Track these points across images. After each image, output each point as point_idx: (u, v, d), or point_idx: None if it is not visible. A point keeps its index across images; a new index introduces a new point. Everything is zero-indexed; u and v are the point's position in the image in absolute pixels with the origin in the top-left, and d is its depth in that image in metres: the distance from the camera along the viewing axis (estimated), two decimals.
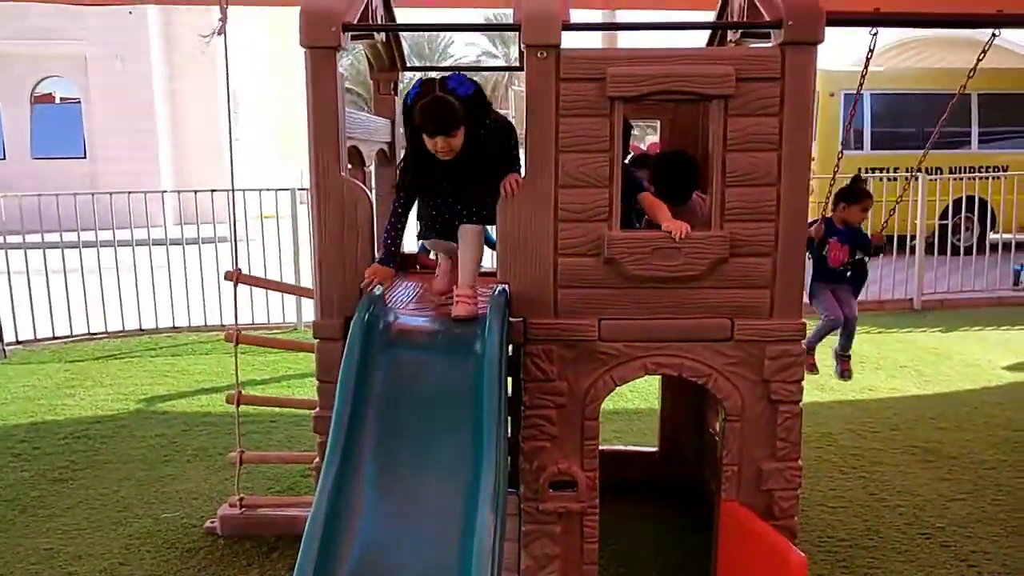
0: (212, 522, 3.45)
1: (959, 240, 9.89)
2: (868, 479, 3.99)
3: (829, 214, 3.83)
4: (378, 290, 2.65)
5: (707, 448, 3.70)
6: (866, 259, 4.01)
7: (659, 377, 3.84)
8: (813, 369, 4.04)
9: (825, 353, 4.09)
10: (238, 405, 3.56)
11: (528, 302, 2.66)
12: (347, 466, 2.26)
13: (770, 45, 2.61)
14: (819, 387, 5.50)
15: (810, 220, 3.16)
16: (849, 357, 4.25)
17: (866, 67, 3.18)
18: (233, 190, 4.39)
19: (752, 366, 2.67)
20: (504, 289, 2.65)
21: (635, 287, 2.64)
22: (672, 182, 3.12)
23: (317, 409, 2.76)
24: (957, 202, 10.19)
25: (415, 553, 2.11)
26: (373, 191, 3.23)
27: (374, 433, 2.34)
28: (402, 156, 2.80)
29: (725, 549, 2.74)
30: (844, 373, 4.29)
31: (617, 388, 2.73)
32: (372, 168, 3.43)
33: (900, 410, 5.07)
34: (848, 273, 3.95)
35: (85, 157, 18.10)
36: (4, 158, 17.49)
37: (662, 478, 3.86)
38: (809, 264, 3.69)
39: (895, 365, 6.13)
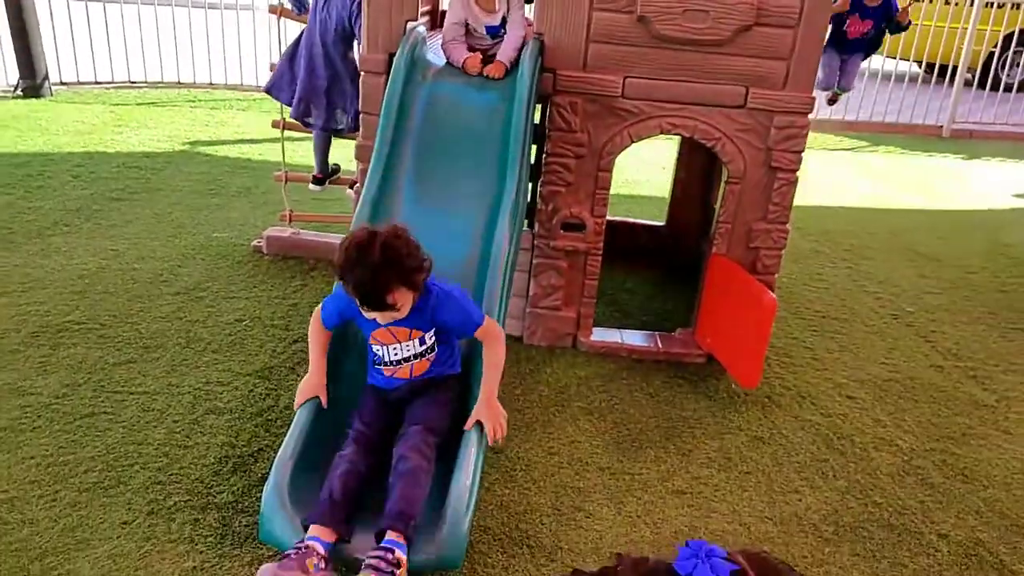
0: (259, 241, 3.85)
1: (1005, 74, 9.61)
2: (855, 269, 4.32)
3: None
4: (420, 29, 2.85)
5: (708, 222, 4.00)
6: (884, 32, 4.68)
7: (673, 166, 4.07)
8: None
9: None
10: (286, 182, 3.89)
11: (560, 54, 2.85)
12: (387, 181, 2.58)
13: None
14: (827, 192, 5.74)
15: None
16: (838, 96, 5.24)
17: None
18: None
19: (759, 133, 2.90)
20: (539, 39, 2.83)
21: (661, 47, 2.82)
22: None
23: (359, 139, 3.04)
24: (1010, 36, 9.81)
25: (445, 249, 2.45)
26: None
27: (412, 153, 2.63)
28: None
29: (709, 295, 3.11)
30: (832, 100, 5.26)
31: (632, 144, 2.97)
32: None
33: (902, 219, 5.32)
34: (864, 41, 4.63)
35: None
36: None
37: (666, 248, 4.20)
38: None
39: (910, 182, 6.30)
